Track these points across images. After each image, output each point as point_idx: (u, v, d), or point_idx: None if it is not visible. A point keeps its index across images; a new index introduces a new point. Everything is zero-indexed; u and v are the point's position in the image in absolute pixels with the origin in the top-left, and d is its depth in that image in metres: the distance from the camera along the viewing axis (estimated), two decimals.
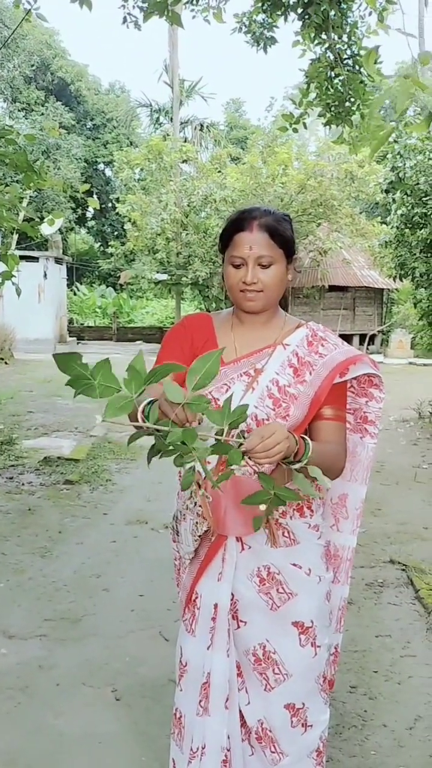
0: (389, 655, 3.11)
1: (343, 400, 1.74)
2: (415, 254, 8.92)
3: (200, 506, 1.63)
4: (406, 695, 2.79)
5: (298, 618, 1.68)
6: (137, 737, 2.50)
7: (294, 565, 1.69)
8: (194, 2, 5.70)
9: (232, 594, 1.69)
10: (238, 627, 1.70)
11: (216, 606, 1.69)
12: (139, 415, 1.45)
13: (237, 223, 1.68)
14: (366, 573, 4.01)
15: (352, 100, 5.71)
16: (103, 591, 3.77)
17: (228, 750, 1.69)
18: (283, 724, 1.68)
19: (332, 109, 5.81)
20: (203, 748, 1.69)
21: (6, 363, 15.83)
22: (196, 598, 1.74)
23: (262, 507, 1.50)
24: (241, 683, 1.71)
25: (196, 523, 1.67)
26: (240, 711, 1.71)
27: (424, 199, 8.16)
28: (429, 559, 4.27)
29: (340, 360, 1.69)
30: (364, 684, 2.87)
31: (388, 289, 21.04)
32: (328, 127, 6.23)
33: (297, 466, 1.49)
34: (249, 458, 1.41)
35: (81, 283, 30.01)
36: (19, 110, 27.50)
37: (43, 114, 27.53)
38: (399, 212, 8.65)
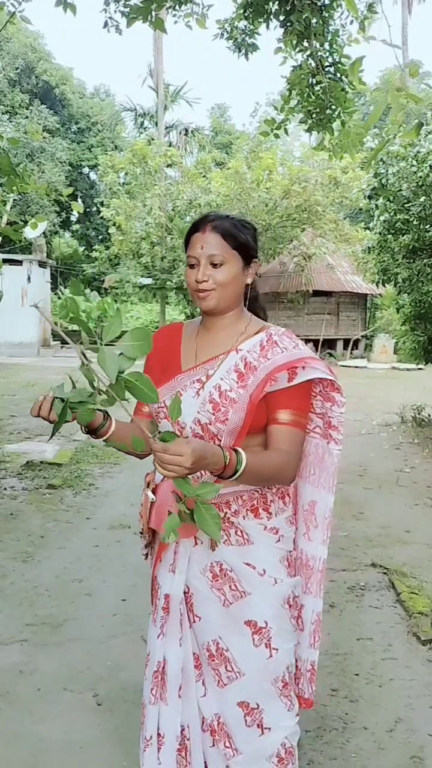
0: (370, 657, 3.13)
1: (300, 405, 1.70)
2: (397, 260, 8.98)
3: (142, 505, 1.74)
4: (386, 698, 2.81)
5: (250, 617, 1.69)
6: (119, 742, 2.49)
7: (247, 564, 1.69)
8: (177, 8, 5.71)
9: (188, 587, 1.72)
10: (195, 621, 1.72)
11: (167, 596, 1.73)
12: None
13: (194, 226, 1.75)
14: (348, 576, 4.03)
15: (333, 107, 5.75)
16: (85, 596, 3.75)
17: (188, 740, 1.71)
18: (237, 722, 1.70)
19: (313, 115, 5.85)
20: (160, 738, 1.72)
21: None
22: (158, 588, 1.78)
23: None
24: (198, 675, 1.73)
25: (139, 521, 1.76)
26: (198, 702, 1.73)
27: (406, 205, 8.22)
28: (410, 562, 4.30)
29: (279, 363, 1.66)
30: (345, 687, 2.88)
31: (372, 295, 21.22)
32: (310, 133, 6.27)
33: (233, 479, 1.51)
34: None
35: (65, 287, 29.89)
36: (2, 113, 27.39)
37: (27, 117, 27.44)
38: (382, 218, 8.72)
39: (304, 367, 1.67)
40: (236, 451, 1.52)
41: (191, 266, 1.72)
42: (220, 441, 1.63)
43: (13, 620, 3.44)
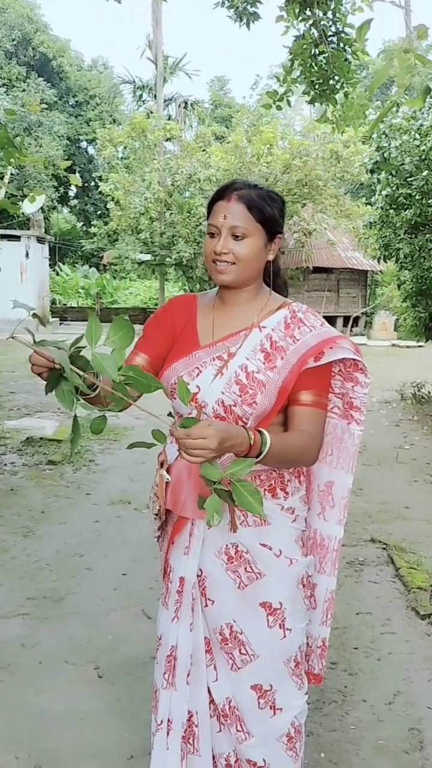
0: (369, 632, 3.15)
1: (323, 385, 1.66)
2: (399, 235, 8.89)
3: (157, 485, 1.67)
4: (385, 671, 2.83)
5: (266, 599, 1.66)
6: (119, 714, 2.52)
7: (263, 545, 1.65)
8: None
9: (201, 570, 1.68)
10: (207, 605, 1.68)
11: (182, 579, 1.69)
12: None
13: (219, 192, 1.66)
14: (347, 552, 4.05)
15: (336, 78, 5.65)
16: (85, 570, 3.77)
17: (196, 726, 1.69)
18: (251, 705, 1.68)
19: (316, 86, 5.75)
20: (169, 723, 1.70)
21: None
22: (170, 571, 1.75)
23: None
24: (209, 660, 1.70)
25: (153, 501, 1.69)
26: (208, 687, 1.71)
27: (408, 179, 8.12)
28: (409, 538, 4.32)
29: (312, 345, 1.61)
30: (345, 660, 2.90)
31: (372, 271, 21.07)
32: (313, 105, 6.17)
33: (257, 460, 1.43)
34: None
35: (63, 263, 29.73)
36: None
37: (24, 90, 27.07)
38: (384, 193, 8.61)
39: (332, 347, 1.62)
40: (260, 432, 1.45)
41: (211, 235, 1.63)
42: (246, 423, 1.56)
43: (14, 594, 3.46)
